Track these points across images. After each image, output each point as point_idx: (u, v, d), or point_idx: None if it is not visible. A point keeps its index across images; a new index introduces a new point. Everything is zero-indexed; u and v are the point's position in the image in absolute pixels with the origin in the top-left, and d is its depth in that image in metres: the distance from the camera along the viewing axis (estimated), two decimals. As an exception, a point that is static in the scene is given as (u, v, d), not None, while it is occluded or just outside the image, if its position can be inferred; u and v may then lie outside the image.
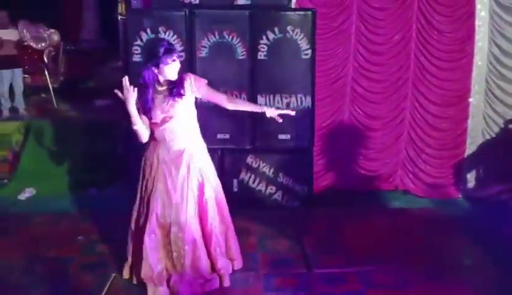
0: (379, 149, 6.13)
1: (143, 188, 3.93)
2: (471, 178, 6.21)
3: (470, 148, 6.16)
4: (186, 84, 3.79)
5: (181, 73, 3.85)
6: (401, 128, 6.12)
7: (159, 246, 3.86)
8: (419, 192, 6.17)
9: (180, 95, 3.77)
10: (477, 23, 5.91)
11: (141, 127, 3.80)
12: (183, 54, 5.35)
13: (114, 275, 4.15)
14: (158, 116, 3.77)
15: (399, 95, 6.03)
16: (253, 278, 4.13)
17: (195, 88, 3.83)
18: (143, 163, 3.98)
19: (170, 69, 3.73)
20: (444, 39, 5.89)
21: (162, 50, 3.69)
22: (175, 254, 3.84)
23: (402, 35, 5.90)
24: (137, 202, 3.98)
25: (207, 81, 3.94)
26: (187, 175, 3.84)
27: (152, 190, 3.85)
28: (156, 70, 3.73)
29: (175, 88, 3.77)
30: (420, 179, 6.17)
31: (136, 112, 3.72)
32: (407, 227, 5.16)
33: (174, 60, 3.74)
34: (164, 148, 3.85)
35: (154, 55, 3.71)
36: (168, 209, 3.82)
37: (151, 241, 3.82)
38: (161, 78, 3.78)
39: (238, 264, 4.16)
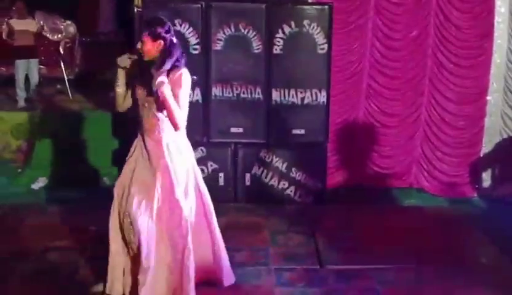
0: (394, 146, 6.09)
1: None
2: (486, 177, 6.14)
3: (487, 147, 6.10)
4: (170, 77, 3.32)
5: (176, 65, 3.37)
6: (417, 126, 6.07)
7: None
8: (433, 190, 6.12)
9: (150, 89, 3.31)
10: (496, 19, 5.84)
11: (120, 93, 3.51)
12: (198, 47, 5.33)
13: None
14: (139, 97, 3.44)
15: (416, 92, 5.98)
16: (265, 273, 4.08)
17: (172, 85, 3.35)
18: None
19: (140, 43, 3.35)
20: (462, 36, 5.82)
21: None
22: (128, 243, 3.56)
23: (419, 31, 5.85)
24: None
25: (182, 89, 3.37)
26: (153, 170, 3.45)
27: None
28: None
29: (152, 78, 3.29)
30: (434, 177, 6.11)
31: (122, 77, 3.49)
32: (421, 225, 5.09)
33: (143, 35, 3.33)
34: (142, 135, 3.49)
35: None
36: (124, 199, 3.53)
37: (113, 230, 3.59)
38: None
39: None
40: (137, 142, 3.59)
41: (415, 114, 6.03)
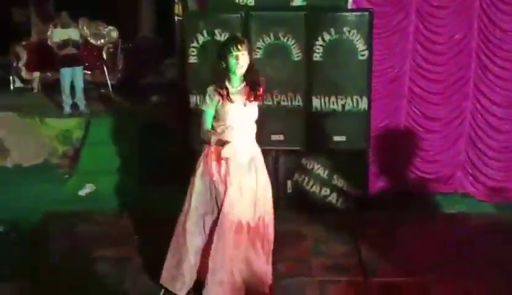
0: (438, 150, 5.97)
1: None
2: (535, 181, 5.96)
3: (535, 150, 5.91)
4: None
5: (256, 73, 3.83)
6: (461, 130, 5.93)
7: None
8: (479, 195, 5.99)
9: (259, 99, 3.81)
10: (543, 20, 5.64)
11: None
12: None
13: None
14: (230, 118, 3.73)
15: (460, 96, 5.85)
16: (308, 284, 4.09)
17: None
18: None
19: (236, 60, 3.65)
20: (507, 38, 5.64)
21: (229, 39, 3.77)
22: None
23: (463, 34, 5.69)
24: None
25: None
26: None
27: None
28: (224, 65, 3.70)
29: (253, 90, 3.76)
30: (480, 182, 5.98)
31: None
32: (467, 233, 5.01)
33: (239, 50, 3.64)
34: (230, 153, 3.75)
35: (223, 46, 3.75)
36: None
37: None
38: (233, 76, 3.73)
39: None
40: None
41: (459, 118, 5.90)
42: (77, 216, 5.56)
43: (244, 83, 3.79)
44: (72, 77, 8.28)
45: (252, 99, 3.77)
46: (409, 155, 5.98)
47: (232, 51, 3.64)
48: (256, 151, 3.93)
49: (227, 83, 3.75)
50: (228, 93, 3.72)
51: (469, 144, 5.96)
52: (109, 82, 9.30)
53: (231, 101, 3.71)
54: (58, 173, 7.22)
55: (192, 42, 5.39)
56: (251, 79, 3.77)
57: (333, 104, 5.42)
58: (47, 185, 6.69)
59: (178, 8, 6.62)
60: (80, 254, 4.65)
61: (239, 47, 3.65)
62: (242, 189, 3.76)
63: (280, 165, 5.59)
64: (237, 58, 3.65)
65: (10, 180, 6.85)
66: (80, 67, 8.42)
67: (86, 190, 6.50)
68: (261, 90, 3.80)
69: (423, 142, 5.96)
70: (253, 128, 3.91)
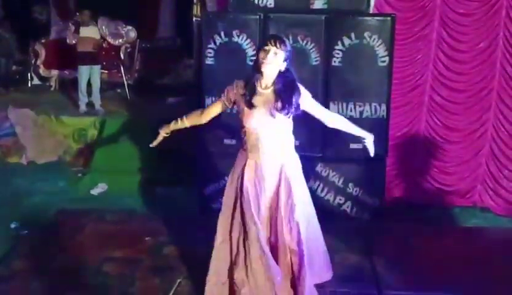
0: (457, 162, 5.84)
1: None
2: (557, 198, 5.78)
3: (558, 165, 5.73)
4: (298, 98, 3.32)
5: (290, 80, 3.36)
6: (482, 142, 5.79)
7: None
8: (499, 210, 5.83)
9: (287, 112, 3.28)
10: None
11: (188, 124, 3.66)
12: (255, 58, 5.24)
13: (179, 280, 4.12)
14: (252, 123, 3.32)
15: (482, 106, 5.70)
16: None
17: (301, 102, 3.37)
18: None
19: (262, 57, 3.19)
20: (534, 48, 5.50)
21: (269, 34, 3.44)
22: None
23: (487, 43, 5.56)
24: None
25: (310, 94, 3.52)
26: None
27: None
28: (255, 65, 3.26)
29: (282, 101, 3.27)
30: (500, 196, 5.83)
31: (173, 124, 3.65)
32: (486, 248, 4.81)
33: (273, 45, 3.18)
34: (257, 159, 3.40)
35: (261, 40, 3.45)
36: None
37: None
38: (263, 77, 3.27)
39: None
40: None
41: (481, 129, 5.75)
42: (88, 215, 5.50)
43: (272, 88, 3.30)
44: (90, 75, 8.27)
45: (279, 108, 3.25)
46: (427, 165, 5.85)
47: (265, 44, 3.20)
48: (291, 166, 3.50)
49: (256, 84, 3.29)
50: (250, 93, 3.25)
51: (491, 156, 5.81)
52: (125, 82, 9.28)
53: (250, 104, 3.26)
54: (71, 171, 7.21)
55: (210, 43, 5.31)
56: (280, 85, 3.28)
57: (351, 110, 5.31)
58: (61, 183, 6.71)
59: (196, 9, 6.59)
60: (90, 254, 4.59)
61: (273, 42, 3.19)
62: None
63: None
64: (267, 52, 3.19)
65: (25, 177, 6.85)
66: (98, 66, 8.42)
67: (98, 189, 6.49)
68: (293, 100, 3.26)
69: (442, 153, 5.83)
70: (288, 140, 3.49)
